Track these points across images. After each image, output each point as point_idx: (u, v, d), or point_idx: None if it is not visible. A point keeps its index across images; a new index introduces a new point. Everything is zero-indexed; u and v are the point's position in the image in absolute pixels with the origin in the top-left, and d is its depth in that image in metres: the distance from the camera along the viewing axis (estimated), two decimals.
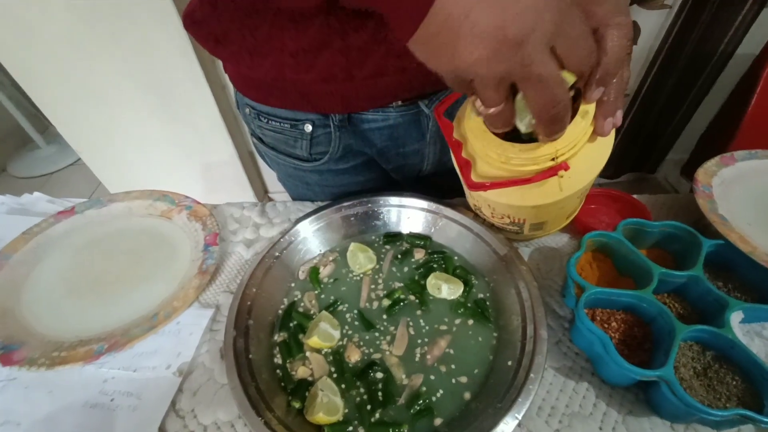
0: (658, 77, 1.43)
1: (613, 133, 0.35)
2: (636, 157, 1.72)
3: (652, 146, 1.67)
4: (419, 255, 0.50)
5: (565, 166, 0.34)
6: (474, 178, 0.39)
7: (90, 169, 1.52)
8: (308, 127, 0.51)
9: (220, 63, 1.35)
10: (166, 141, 1.44)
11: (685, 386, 0.34)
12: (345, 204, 0.52)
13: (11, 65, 1.19)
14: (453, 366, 0.40)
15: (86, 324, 0.46)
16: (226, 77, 1.46)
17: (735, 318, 0.37)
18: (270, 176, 1.80)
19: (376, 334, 0.43)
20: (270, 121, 0.53)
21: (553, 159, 0.34)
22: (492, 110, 0.29)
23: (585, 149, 0.35)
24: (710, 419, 0.32)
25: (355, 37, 0.41)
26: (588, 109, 0.33)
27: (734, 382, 0.34)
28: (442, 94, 0.53)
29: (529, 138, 0.35)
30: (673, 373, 0.33)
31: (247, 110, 0.54)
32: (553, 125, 0.29)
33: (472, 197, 0.45)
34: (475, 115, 0.37)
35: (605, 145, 0.36)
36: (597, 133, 0.34)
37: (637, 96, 1.51)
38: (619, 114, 0.33)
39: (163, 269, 0.52)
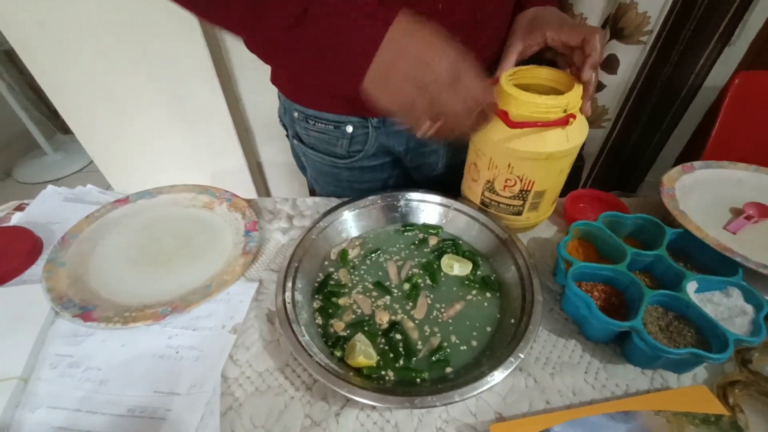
0: (635, 106, 1.57)
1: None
2: (618, 179, 1.85)
3: (632, 169, 1.81)
4: (433, 241, 0.59)
5: (573, 116, 0.47)
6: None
7: (95, 178, 1.57)
8: (349, 128, 0.60)
9: (238, 78, 1.45)
10: (179, 148, 1.52)
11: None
12: (371, 198, 0.61)
13: (37, 69, 1.26)
14: (463, 328, 0.48)
15: (147, 292, 0.53)
16: (242, 91, 1.55)
17: (691, 287, 0.46)
18: (276, 187, 1.88)
19: (401, 301, 0.51)
20: (317, 123, 0.62)
21: (564, 111, 0.47)
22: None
23: (578, 119, 0.49)
24: (671, 359, 0.40)
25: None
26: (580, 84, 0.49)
27: (689, 335, 0.43)
28: None
29: None
30: (642, 325, 0.42)
31: (296, 114, 0.63)
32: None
33: (492, 163, 0.53)
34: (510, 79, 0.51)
35: (585, 122, 0.52)
36: (581, 111, 0.49)
37: (617, 123, 1.65)
38: (589, 105, 0.49)
39: (209, 250, 0.60)
